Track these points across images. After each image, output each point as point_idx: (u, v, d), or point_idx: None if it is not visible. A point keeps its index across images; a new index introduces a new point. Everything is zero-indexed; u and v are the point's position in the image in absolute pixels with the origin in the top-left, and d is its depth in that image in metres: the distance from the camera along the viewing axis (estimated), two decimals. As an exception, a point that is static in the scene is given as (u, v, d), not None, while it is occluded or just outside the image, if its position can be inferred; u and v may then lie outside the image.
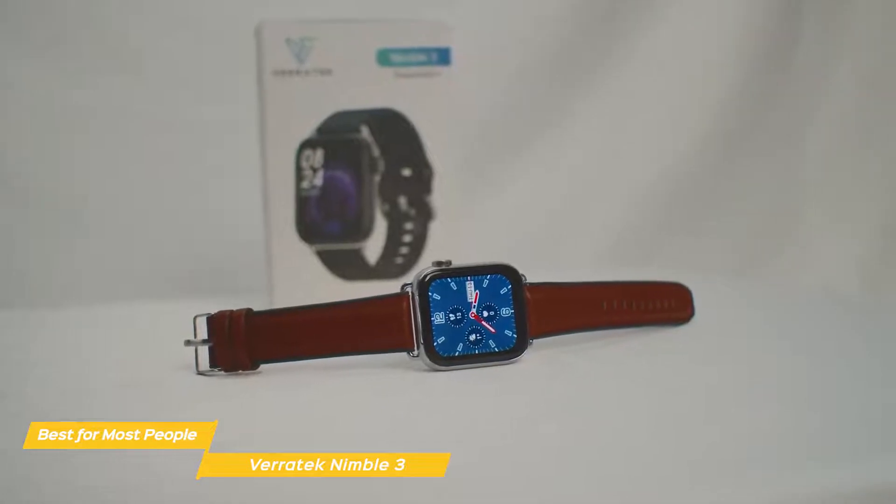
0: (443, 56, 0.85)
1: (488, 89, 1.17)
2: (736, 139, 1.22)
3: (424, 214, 0.85)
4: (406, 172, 0.85)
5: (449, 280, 0.60)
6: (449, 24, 0.85)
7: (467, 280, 0.61)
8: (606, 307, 0.66)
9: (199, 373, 0.61)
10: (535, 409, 0.53)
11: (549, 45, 1.18)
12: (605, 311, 0.66)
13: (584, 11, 1.19)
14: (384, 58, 0.83)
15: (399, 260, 0.85)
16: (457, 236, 0.86)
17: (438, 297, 0.60)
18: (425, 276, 0.60)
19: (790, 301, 0.91)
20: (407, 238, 0.85)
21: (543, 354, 0.63)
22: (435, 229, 0.86)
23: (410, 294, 0.60)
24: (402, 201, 0.85)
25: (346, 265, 0.84)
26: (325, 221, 0.83)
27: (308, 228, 0.83)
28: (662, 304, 0.70)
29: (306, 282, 0.82)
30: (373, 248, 0.85)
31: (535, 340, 0.62)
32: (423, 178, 0.85)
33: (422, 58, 0.84)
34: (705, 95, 1.22)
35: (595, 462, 0.44)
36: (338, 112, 0.83)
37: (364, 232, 0.84)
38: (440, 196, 0.86)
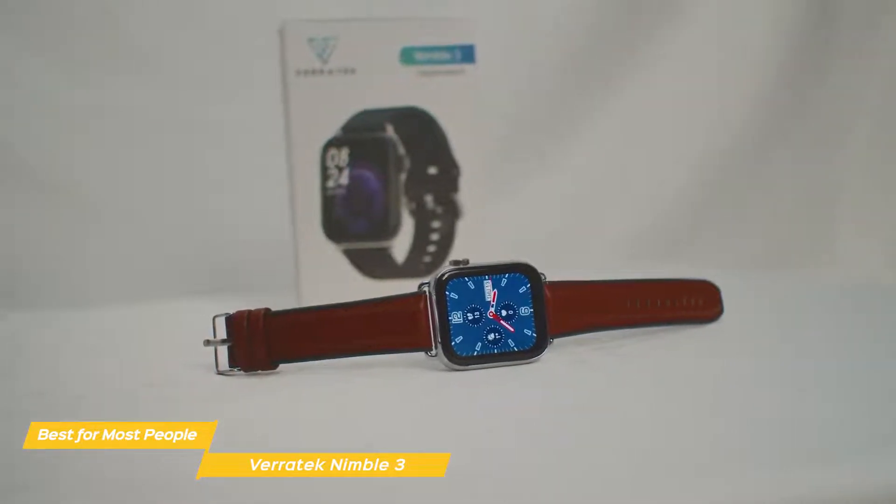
0: (467, 54, 0.84)
1: (514, 86, 1.16)
2: (768, 135, 1.20)
3: (451, 213, 0.85)
4: (432, 170, 0.85)
5: (466, 279, 0.60)
6: (472, 21, 0.84)
7: (485, 279, 0.60)
8: (630, 305, 0.65)
9: (219, 373, 0.61)
10: (553, 408, 0.52)
11: (574, 43, 1.17)
12: (629, 310, 0.65)
13: (609, 9, 1.17)
14: (408, 56, 0.83)
15: (427, 258, 0.85)
16: (484, 234, 0.85)
17: (456, 297, 0.59)
18: (442, 276, 0.59)
19: (822, 298, 0.89)
20: (434, 236, 0.85)
21: (564, 353, 0.62)
22: (462, 227, 0.85)
23: (427, 293, 0.59)
24: (429, 200, 0.85)
25: (373, 264, 0.84)
26: (352, 220, 0.83)
27: (334, 227, 0.83)
28: (689, 302, 0.69)
29: (333, 281, 0.82)
30: (400, 246, 0.84)
31: (555, 339, 0.61)
32: (450, 176, 0.85)
33: (445, 56, 0.84)
34: (736, 93, 1.20)
35: (609, 462, 0.43)
36: (362, 111, 0.83)
37: (391, 230, 0.84)
38: (467, 194, 0.85)
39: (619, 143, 1.20)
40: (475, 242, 0.85)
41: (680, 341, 0.66)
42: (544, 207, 1.20)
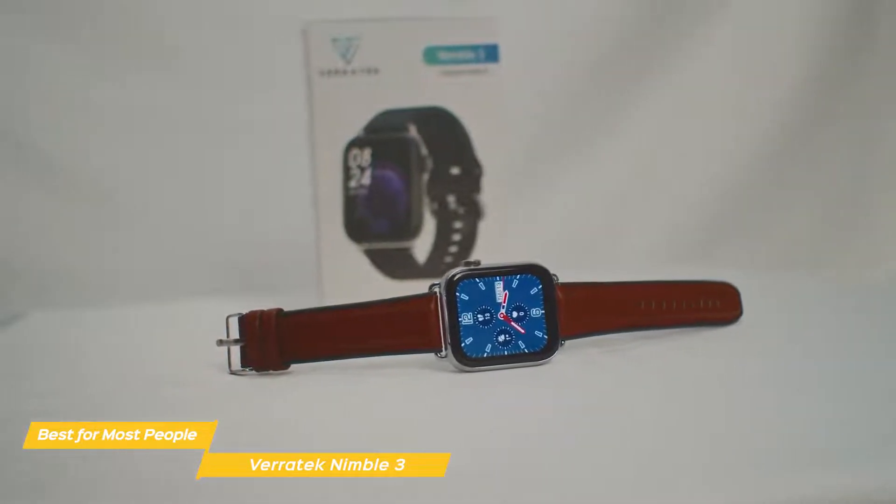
0: (490, 53, 0.84)
1: (544, 84, 1.16)
2: (801, 135, 1.19)
3: (474, 213, 0.85)
4: (455, 171, 0.85)
5: (477, 280, 0.60)
6: (496, 19, 0.84)
7: (496, 280, 0.60)
8: (645, 307, 0.65)
9: (232, 372, 0.61)
10: (560, 410, 0.52)
11: (606, 42, 1.16)
12: (644, 312, 0.65)
13: (642, 6, 1.16)
14: (431, 56, 0.83)
15: (448, 259, 0.84)
16: (507, 235, 0.85)
17: (466, 298, 0.59)
18: (453, 277, 0.59)
19: (849, 299, 0.88)
20: (456, 237, 0.85)
21: (576, 355, 0.62)
22: (485, 228, 0.85)
23: (438, 294, 0.59)
24: (451, 200, 0.84)
25: (394, 264, 0.84)
26: (374, 220, 0.83)
27: (356, 227, 0.83)
28: (707, 304, 0.68)
29: (355, 280, 0.82)
30: (422, 246, 0.84)
31: (567, 341, 0.61)
32: (472, 176, 0.85)
33: (469, 55, 0.84)
34: (769, 92, 1.18)
35: (614, 464, 0.43)
36: (385, 111, 0.83)
37: (413, 231, 0.84)
38: (490, 194, 0.85)
39: (652, 143, 1.19)
40: (497, 243, 0.85)
41: (695, 343, 0.65)
42: (576, 207, 1.19)
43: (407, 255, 0.84)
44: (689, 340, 0.66)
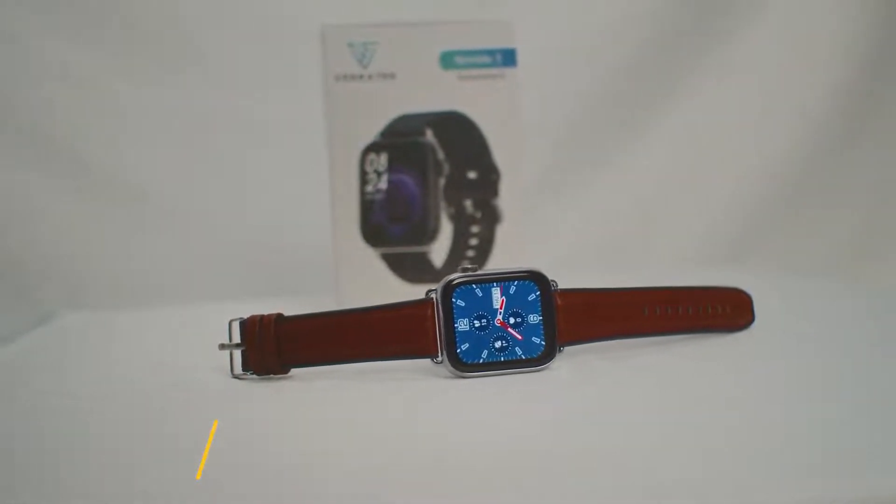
0: (507, 57, 0.84)
1: (577, 86, 1.15)
2: (840, 137, 1.17)
3: (491, 217, 0.85)
4: (472, 175, 0.84)
5: (474, 286, 0.59)
6: (513, 24, 0.84)
7: (493, 286, 0.60)
8: (648, 313, 0.64)
9: (234, 376, 0.62)
10: (554, 417, 0.52)
11: (641, 43, 1.15)
12: (648, 318, 0.64)
13: (677, 8, 1.15)
14: (448, 60, 0.83)
15: (465, 263, 0.84)
16: (524, 239, 0.85)
17: (463, 304, 0.59)
18: (449, 282, 0.59)
19: (869, 304, 0.86)
20: (473, 241, 0.85)
21: (575, 362, 0.61)
22: (502, 232, 0.85)
23: (434, 300, 0.59)
24: (468, 204, 0.84)
25: (411, 268, 0.84)
26: (390, 225, 0.83)
27: (373, 232, 0.83)
28: (716, 310, 0.67)
29: (371, 285, 0.83)
30: (439, 251, 0.84)
31: (566, 348, 0.60)
32: (489, 180, 0.84)
33: (486, 59, 0.84)
34: (808, 94, 1.17)
35: (600, 472, 0.43)
36: (402, 115, 0.83)
37: (429, 235, 0.84)
38: (507, 199, 0.84)
39: (686, 146, 1.18)
40: (515, 247, 0.84)
41: (699, 351, 0.64)
42: (612, 209, 1.18)
43: (424, 259, 0.84)
44: (693, 347, 0.65)
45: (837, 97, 1.17)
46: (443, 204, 0.84)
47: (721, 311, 0.67)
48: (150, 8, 1.06)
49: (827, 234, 1.19)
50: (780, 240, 1.19)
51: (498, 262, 0.84)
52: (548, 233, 1.15)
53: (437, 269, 0.84)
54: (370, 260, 0.83)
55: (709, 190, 1.18)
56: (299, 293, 0.90)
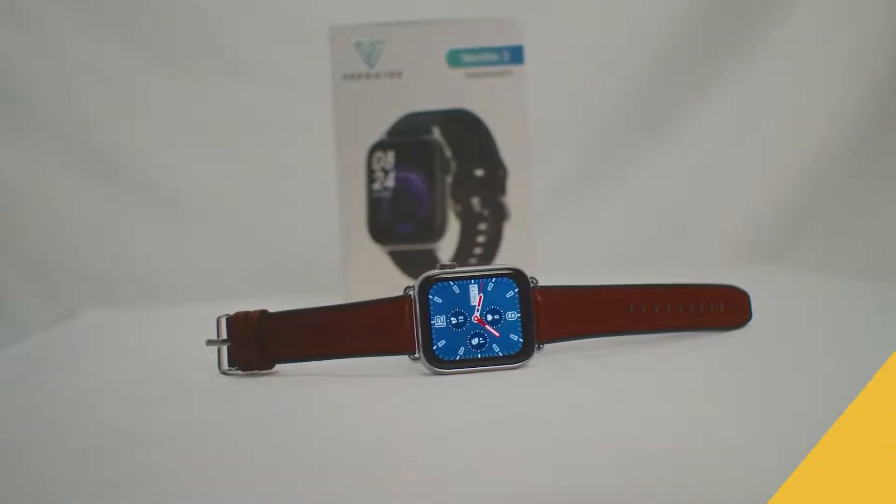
0: (515, 54, 0.84)
1: (610, 85, 1.14)
2: (873, 137, 1.14)
3: (498, 215, 0.84)
4: (479, 173, 0.84)
5: (451, 283, 0.60)
6: (520, 21, 0.84)
7: (471, 283, 0.60)
8: (634, 311, 0.63)
9: (222, 372, 0.63)
10: (527, 413, 0.52)
11: (671, 41, 1.14)
12: (634, 315, 0.63)
13: (707, 4, 1.14)
14: (455, 58, 0.83)
15: (473, 261, 0.85)
16: (532, 237, 0.85)
17: (440, 301, 0.59)
18: (426, 279, 0.59)
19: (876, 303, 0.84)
20: (480, 238, 0.85)
21: (554, 359, 0.61)
22: (509, 229, 0.84)
23: (412, 297, 0.59)
24: (476, 202, 0.84)
25: (418, 266, 0.84)
26: (397, 223, 0.84)
27: (380, 229, 0.84)
28: (708, 308, 0.66)
29: (379, 282, 0.83)
30: (446, 248, 0.84)
31: (546, 345, 0.60)
32: (496, 178, 0.84)
33: (493, 57, 0.83)
34: (840, 92, 1.14)
35: (571, 475, 0.43)
36: (409, 114, 0.83)
37: (436, 233, 0.84)
38: (514, 196, 0.84)
39: (716, 144, 1.16)
40: (522, 244, 0.84)
41: (683, 348, 0.64)
42: (642, 208, 1.17)
43: (431, 257, 0.84)
44: (681, 344, 0.64)
45: (872, 95, 1.14)
46: (450, 202, 0.84)
47: (713, 308, 0.66)
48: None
49: (866, 234, 1.16)
50: (818, 240, 1.16)
51: (505, 259, 0.84)
52: (578, 231, 1.14)
53: (444, 266, 0.84)
54: (377, 258, 0.84)
55: (740, 190, 1.16)
56: (306, 292, 0.91)
